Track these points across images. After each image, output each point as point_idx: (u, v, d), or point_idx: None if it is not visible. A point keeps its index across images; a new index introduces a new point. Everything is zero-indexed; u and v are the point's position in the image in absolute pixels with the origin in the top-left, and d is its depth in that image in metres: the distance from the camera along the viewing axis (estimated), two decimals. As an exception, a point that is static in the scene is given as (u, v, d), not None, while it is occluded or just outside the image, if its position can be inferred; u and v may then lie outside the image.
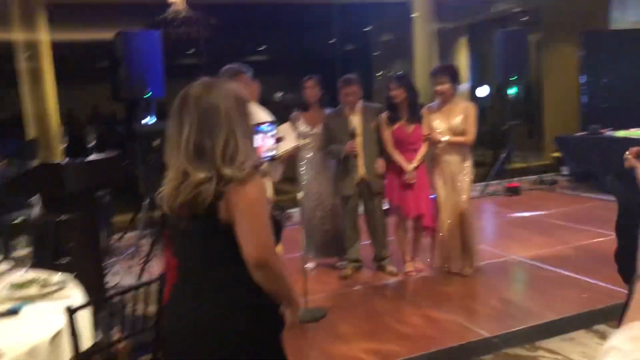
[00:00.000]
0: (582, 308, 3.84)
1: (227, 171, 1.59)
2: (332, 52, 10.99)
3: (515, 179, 8.05)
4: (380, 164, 4.59)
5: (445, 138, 4.49)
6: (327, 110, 4.92)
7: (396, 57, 12.55)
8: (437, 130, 4.51)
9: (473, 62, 11.93)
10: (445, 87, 4.49)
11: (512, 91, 8.08)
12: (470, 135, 4.51)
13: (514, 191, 7.62)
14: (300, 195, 4.20)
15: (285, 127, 4.38)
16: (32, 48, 7.06)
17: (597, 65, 8.28)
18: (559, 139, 7.99)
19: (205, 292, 1.70)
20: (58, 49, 7.29)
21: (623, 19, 8.75)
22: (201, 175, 1.60)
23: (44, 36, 7.08)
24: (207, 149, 1.62)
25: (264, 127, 2.99)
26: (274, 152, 3.01)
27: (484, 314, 3.89)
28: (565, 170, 8.22)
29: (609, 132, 7.35)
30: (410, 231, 4.79)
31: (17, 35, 7.08)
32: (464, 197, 4.56)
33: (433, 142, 4.53)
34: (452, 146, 4.52)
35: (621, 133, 7.14)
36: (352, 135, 4.53)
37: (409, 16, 9.41)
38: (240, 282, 1.67)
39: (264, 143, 3.02)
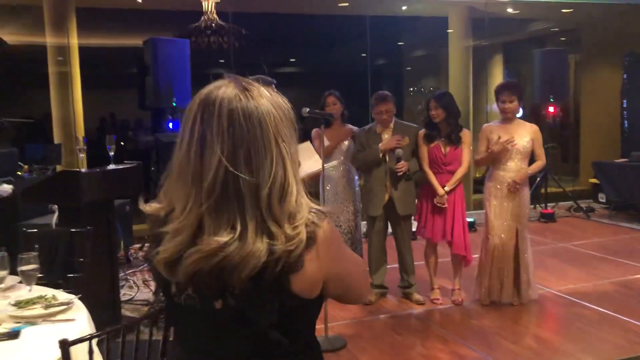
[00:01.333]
0: (626, 354, 3.54)
1: (288, 231, 1.04)
2: (364, 65, 10.82)
3: (550, 204, 7.71)
4: (401, 164, 4.31)
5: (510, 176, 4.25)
6: (349, 126, 4.72)
7: (427, 73, 12.34)
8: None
9: (507, 81, 11.65)
10: (513, 105, 4.27)
11: (552, 113, 7.75)
12: (543, 160, 4.36)
13: (548, 218, 7.30)
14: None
15: (307, 146, 4.18)
16: (63, 52, 7.04)
17: (641, 90, 7.93)
18: (597, 165, 7.65)
19: None
20: (87, 53, 7.25)
21: (669, 42, 8.40)
22: (223, 237, 1.03)
23: (74, 40, 7.05)
24: (243, 188, 1.03)
25: None
26: None
27: (520, 355, 3.60)
28: (602, 198, 7.86)
29: (652, 161, 7.00)
30: (444, 257, 4.56)
31: (49, 39, 7.06)
32: (523, 220, 4.31)
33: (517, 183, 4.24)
34: (514, 168, 4.25)
35: (665, 162, 6.79)
36: (398, 160, 4.31)
37: (443, 32, 9.20)
38: None
39: None
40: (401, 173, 4.31)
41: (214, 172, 1.03)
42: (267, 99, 1.09)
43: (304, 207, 1.07)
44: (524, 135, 4.27)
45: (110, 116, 9.69)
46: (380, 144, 4.34)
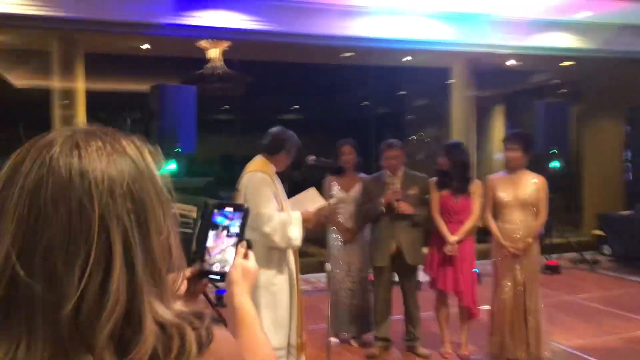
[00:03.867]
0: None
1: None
2: (366, 114, 10.91)
3: (554, 255, 7.62)
4: (403, 205, 4.25)
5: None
6: (361, 175, 4.71)
7: (429, 122, 12.44)
8: (503, 202, 4.19)
9: (515, 130, 11.72)
10: (515, 154, 4.16)
11: (554, 164, 7.74)
12: (544, 216, 4.18)
13: (553, 269, 7.20)
14: (328, 267, 3.88)
15: (313, 192, 4.13)
16: (68, 96, 7.09)
17: (643, 142, 7.97)
18: (602, 216, 7.61)
19: None
20: (93, 98, 7.31)
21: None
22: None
23: (80, 85, 7.12)
24: (35, 302, 0.67)
25: (221, 217, 1.26)
26: (226, 266, 1.21)
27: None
28: (607, 250, 7.77)
29: (657, 213, 6.96)
30: (450, 308, 4.47)
31: (56, 83, 7.13)
32: (531, 274, 4.15)
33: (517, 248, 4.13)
34: (517, 219, 4.15)
35: (671, 214, 6.75)
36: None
37: (445, 82, 9.31)
38: None
39: (218, 243, 1.22)
40: (398, 197, 4.23)
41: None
42: (106, 160, 0.70)
43: (148, 329, 0.68)
44: (529, 185, 4.20)
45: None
46: (381, 199, 4.30)
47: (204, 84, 7.70)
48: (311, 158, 3.84)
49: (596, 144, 9.45)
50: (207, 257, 1.11)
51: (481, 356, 4.36)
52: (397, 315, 4.60)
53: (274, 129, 3.78)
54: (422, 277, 4.70)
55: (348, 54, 8.41)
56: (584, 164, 10.01)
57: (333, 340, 4.58)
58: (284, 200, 3.58)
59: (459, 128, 8.83)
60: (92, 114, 7.22)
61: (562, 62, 9.06)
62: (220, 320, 1.02)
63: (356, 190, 4.66)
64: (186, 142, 5.76)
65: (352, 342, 4.68)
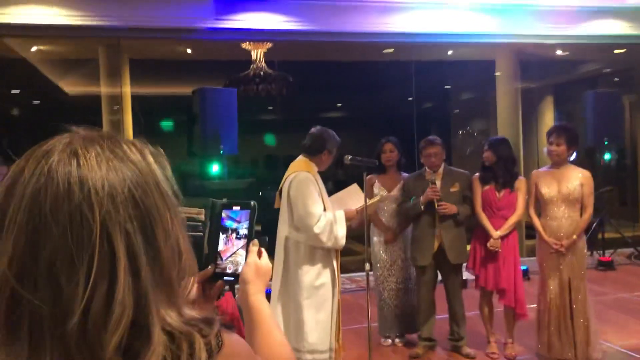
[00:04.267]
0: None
1: None
2: (410, 110, 10.79)
3: (608, 251, 7.35)
4: (450, 207, 4.16)
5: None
6: (404, 174, 4.66)
7: (476, 116, 12.20)
8: (546, 197, 4.07)
9: (559, 123, 11.36)
10: (560, 149, 4.05)
11: (607, 156, 7.47)
12: (590, 212, 4.04)
13: (607, 266, 6.94)
14: (367, 267, 3.84)
15: (356, 189, 4.09)
16: (117, 101, 7.31)
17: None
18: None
19: None
20: (139, 102, 7.51)
21: None
22: None
23: (126, 90, 7.32)
24: (43, 319, 0.66)
25: (230, 221, 1.19)
26: (238, 267, 1.14)
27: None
28: (665, 245, 7.44)
29: None
30: (499, 307, 4.36)
31: (103, 89, 7.37)
32: (577, 270, 4.03)
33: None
34: (561, 215, 4.03)
35: None
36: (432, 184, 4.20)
37: (491, 75, 9.11)
38: None
39: (229, 246, 1.16)
40: (438, 196, 4.15)
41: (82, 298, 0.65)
42: (105, 166, 0.69)
43: (156, 339, 0.68)
44: (573, 180, 4.05)
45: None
46: (421, 197, 4.24)
47: (247, 86, 7.78)
48: (348, 157, 3.83)
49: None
50: (219, 260, 1.10)
51: (529, 356, 4.25)
52: (442, 315, 4.54)
53: (315, 130, 3.78)
54: (468, 275, 4.62)
55: (389, 50, 8.34)
56: (639, 155, 9.62)
57: (382, 340, 4.60)
58: (325, 199, 3.60)
59: (506, 121, 8.63)
60: (138, 117, 7.43)
61: (612, 50, 8.72)
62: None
63: (398, 189, 4.62)
64: (229, 144, 5.84)
65: (397, 341, 4.65)
